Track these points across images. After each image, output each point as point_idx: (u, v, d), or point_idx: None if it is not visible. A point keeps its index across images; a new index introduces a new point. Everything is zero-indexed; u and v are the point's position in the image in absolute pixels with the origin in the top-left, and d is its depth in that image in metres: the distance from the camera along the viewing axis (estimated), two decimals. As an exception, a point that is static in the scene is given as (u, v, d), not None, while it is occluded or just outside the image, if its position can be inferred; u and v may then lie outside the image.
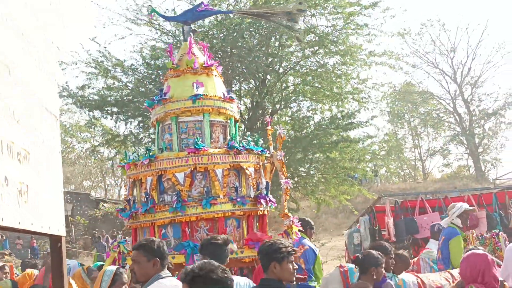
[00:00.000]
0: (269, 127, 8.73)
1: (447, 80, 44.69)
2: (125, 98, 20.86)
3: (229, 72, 20.15)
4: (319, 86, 21.09)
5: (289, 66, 21.47)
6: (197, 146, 7.81)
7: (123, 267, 6.76)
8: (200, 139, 7.98)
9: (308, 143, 19.52)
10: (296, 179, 21.85)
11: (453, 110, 44.87)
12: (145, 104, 10.30)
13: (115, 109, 20.88)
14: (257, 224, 8.25)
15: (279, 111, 22.26)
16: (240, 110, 22.26)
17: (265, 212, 8.30)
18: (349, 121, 20.55)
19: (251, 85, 22.36)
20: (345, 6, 19.78)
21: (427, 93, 45.12)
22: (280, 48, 20.70)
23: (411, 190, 31.73)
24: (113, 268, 5.61)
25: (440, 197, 15.47)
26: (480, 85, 43.97)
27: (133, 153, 8.36)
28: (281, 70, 21.38)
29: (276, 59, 20.54)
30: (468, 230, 13.97)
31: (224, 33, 19.70)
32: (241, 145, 8.12)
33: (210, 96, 8.27)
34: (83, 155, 47.56)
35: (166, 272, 4.30)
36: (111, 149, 26.26)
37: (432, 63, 44.20)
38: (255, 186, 8.15)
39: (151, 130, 21.53)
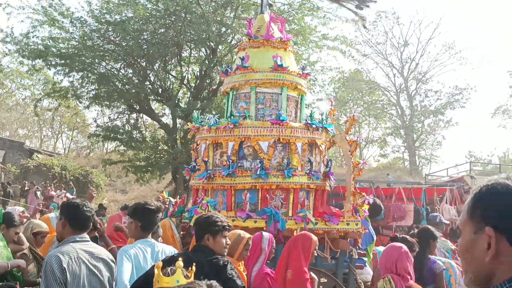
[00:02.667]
0: (331, 107, 9.05)
1: (394, 73, 45.46)
2: (70, 50, 20.27)
3: (181, 37, 19.87)
4: (269, 63, 21.03)
5: (242, 39, 21.30)
6: (282, 118, 8.08)
7: None
8: (280, 112, 8.26)
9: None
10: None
11: (396, 102, 45.71)
12: (219, 70, 10.44)
13: (58, 61, 20.26)
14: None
15: (227, 83, 22.12)
16: (188, 77, 22.23)
17: (328, 188, 8.68)
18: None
19: (201, 53, 22.13)
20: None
21: (373, 83, 45.74)
22: (235, 19, 20.50)
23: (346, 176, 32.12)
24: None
25: (372, 186, 15.80)
26: (425, 81, 44.88)
27: (214, 117, 8.52)
28: (233, 42, 21.23)
29: (229, 30, 20.35)
30: (396, 222, 14.44)
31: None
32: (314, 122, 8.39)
33: (290, 71, 8.51)
34: (21, 102, 46.17)
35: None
36: (51, 100, 25.64)
37: (382, 54, 44.82)
38: (325, 163, 8.59)
39: (93, 87, 21.10)
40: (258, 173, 7.83)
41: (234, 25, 20.20)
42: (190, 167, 9.02)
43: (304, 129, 8.24)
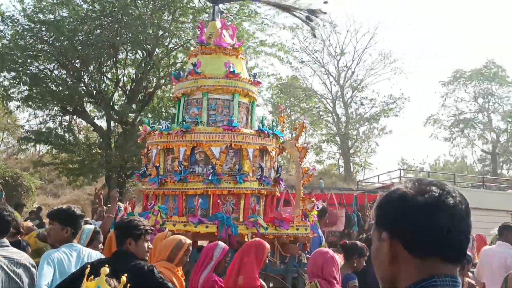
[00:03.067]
0: (282, 114, 9.42)
1: (331, 81, 46.13)
2: (1, 49, 19.59)
3: (117, 38, 19.56)
4: (207, 67, 20.95)
5: (179, 43, 21.18)
6: (234, 125, 8.27)
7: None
8: (232, 118, 8.45)
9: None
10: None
11: (332, 110, 46.39)
12: (171, 75, 10.51)
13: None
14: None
15: (163, 87, 21.94)
16: (124, 80, 21.88)
17: (278, 193, 8.89)
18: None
19: (138, 56, 21.85)
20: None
21: (310, 90, 46.27)
22: (173, 23, 20.34)
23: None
24: (92, 227, 5.67)
25: (305, 191, 15.94)
26: (361, 89, 45.74)
27: (165, 122, 8.66)
28: (170, 46, 21.05)
29: (166, 33, 20.17)
30: (328, 227, 14.62)
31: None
32: (268, 128, 8.64)
33: (242, 78, 8.71)
34: None
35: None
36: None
37: (319, 62, 45.42)
38: (275, 169, 8.80)
39: (25, 87, 20.46)
40: (210, 178, 7.95)
41: (171, 28, 20.02)
42: (140, 172, 9.02)
43: (255, 135, 8.45)
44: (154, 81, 21.43)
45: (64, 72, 20.90)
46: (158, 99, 22.33)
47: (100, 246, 5.68)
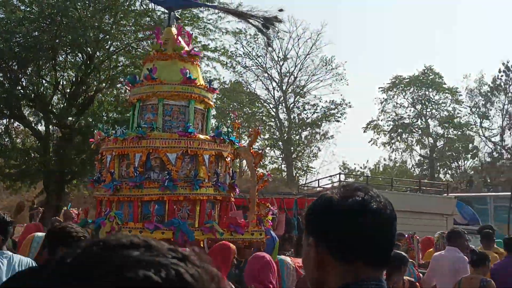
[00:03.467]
0: (237, 121, 9.73)
1: (274, 86, 46.41)
2: None
3: (56, 41, 19.15)
4: (149, 71, 20.75)
5: (120, 46, 20.89)
6: (190, 131, 8.30)
7: None
8: (188, 124, 8.47)
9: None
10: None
11: (275, 115, 46.67)
12: (126, 80, 10.53)
13: None
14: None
15: (104, 90, 21.59)
16: (63, 83, 21.43)
17: (233, 199, 8.98)
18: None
19: (78, 59, 21.44)
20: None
21: (253, 95, 46.41)
22: (114, 25, 20.05)
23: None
24: (43, 235, 5.55)
25: (247, 196, 15.99)
26: (303, 95, 46.17)
27: (120, 128, 8.59)
28: (111, 49, 20.75)
29: (107, 36, 19.87)
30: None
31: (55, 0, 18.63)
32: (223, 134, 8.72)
33: (198, 84, 8.75)
34: None
35: None
36: None
37: (262, 67, 45.64)
38: (230, 174, 8.89)
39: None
40: (166, 184, 7.94)
41: (112, 31, 19.73)
42: (94, 178, 8.96)
43: (211, 141, 8.51)
44: (95, 84, 21.06)
45: (0, 74, 20.30)
46: (99, 102, 21.96)
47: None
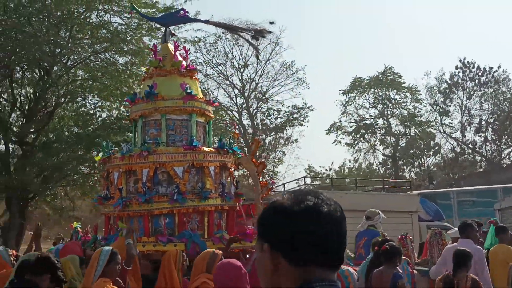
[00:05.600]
0: (235, 130, 10.38)
1: (236, 93, 46.48)
2: None
3: (12, 58, 18.84)
4: (108, 83, 20.60)
5: (78, 60, 20.66)
6: (194, 144, 8.55)
7: None
8: (192, 138, 8.72)
9: (91, 141, 18.92)
10: (75, 176, 21.13)
11: (238, 122, 46.76)
12: (126, 98, 10.70)
13: None
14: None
15: (63, 105, 21.32)
16: (21, 100, 21.09)
17: (238, 208, 9.19)
18: (136, 122, 20.40)
19: (35, 74, 21.12)
20: (140, 6, 19.56)
21: (216, 103, 46.36)
22: (70, 39, 19.83)
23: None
24: (109, 248, 5.75)
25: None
26: (265, 100, 46.31)
27: (126, 145, 8.90)
28: (69, 63, 20.51)
29: (64, 50, 19.63)
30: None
31: (9, 15, 18.32)
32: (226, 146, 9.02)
33: (198, 98, 9.03)
34: None
35: None
36: None
37: (224, 74, 45.68)
38: (235, 184, 9.20)
39: None
40: (175, 198, 8.17)
41: (69, 45, 19.50)
42: (102, 195, 9.11)
43: (215, 153, 8.80)
44: (54, 99, 20.77)
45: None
46: (59, 118, 21.67)
47: (118, 267, 5.75)
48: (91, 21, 20.05)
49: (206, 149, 8.80)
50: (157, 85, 8.92)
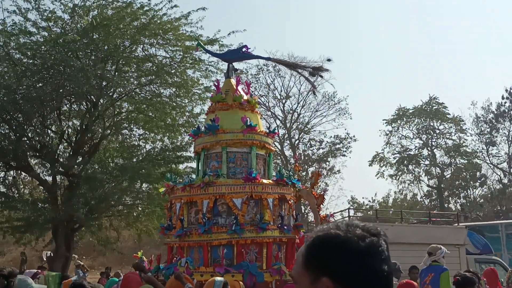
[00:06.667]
0: (297, 163, 10.46)
1: (278, 124, 46.59)
2: None
3: (60, 91, 19.34)
4: (153, 115, 20.94)
5: (124, 92, 21.08)
6: (253, 175, 8.72)
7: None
8: (251, 170, 8.90)
9: (136, 172, 19.15)
10: (120, 207, 21.35)
11: (280, 152, 46.76)
12: (190, 132, 11.24)
13: None
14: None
15: (109, 137, 21.71)
16: (68, 132, 21.58)
17: (298, 240, 9.20)
18: (180, 153, 20.59)
19: (82, 107, 21.62)
20: (185, 39, 19.91)
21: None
22: (116, 73, 20.27)
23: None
24: (222, 279, 5.96)
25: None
26: (307, 131, 46.29)
27: (188, 177, 9.35)
28: (115, 95, 20.93)
29: (110, 84, 20.06)
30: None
31: (58, 50, 18.85)
32: (284, 178, 9.10)
33: (259, 131, 9.28)
34: None
35: None
36: None
37: (266, 106, 45.91)
38: (294, 216, 9.27)
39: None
40: (233, 228, 8.37)
41: (115, 78, 19.92)
42: (165, 226, 9.46)
43: (274, 185, 8.94)
44: (100, 131, 21.18)
45: (6, 127, 20.45)
46: (104, 149, 22.05)
47: None
48: (136, 54, 20.46)
49: (265, 181, 8.94)
50: (219, 119, 9.20)
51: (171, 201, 9.36)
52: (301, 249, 1.81)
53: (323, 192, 9.86)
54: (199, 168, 9.43)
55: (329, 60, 10.91)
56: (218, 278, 6.21)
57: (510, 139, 44.62)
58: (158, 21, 19.57)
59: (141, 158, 20.81)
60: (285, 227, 8.83)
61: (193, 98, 21.27)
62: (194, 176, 10.40)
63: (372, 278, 1.68)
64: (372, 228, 1.76)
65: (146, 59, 20.33)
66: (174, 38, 19.96)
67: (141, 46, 20.39)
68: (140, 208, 21.56)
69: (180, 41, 19.96)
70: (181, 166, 21.32)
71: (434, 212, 31.07)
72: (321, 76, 11.11)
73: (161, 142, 22.05)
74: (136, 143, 22.52)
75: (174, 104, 21.17)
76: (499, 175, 45.51)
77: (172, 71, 20.37)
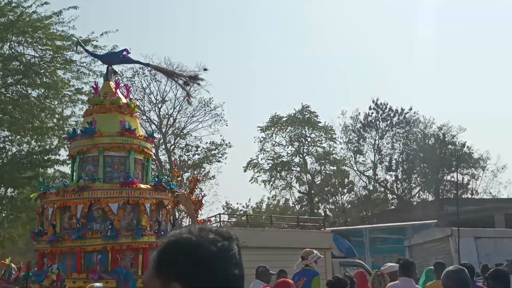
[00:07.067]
0: (176, 169, 9.97)
1: (153, 128, 46.09)
2: None
3: None
4: (19, 117, 19.96)
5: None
6: (130, 180, 8.56)
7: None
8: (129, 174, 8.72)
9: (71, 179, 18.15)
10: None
11: (155, 157, 46.27)
12: (64, 135, 10.69)
13: None
14: None
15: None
16: None
17: None
18: (48, 157, 19.76)
19: None
20: (56, 38, 19.21)
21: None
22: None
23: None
24: (100, 285, 5.95)
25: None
26: (183, 136, 46.15)
27: (61, 181, 8.95)
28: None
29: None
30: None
31: None
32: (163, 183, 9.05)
33: (137, 135, 9.07)
34: None
35: None
36: None
37: (141, 110, 45.24)
38: (172, 221, 9.30)
39: None
40: (108, 234, 8.18)
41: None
42: (36, 231, 9.05)
43: (152, 190, 8.84)
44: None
45: None
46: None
47: None
48: (2, 52, 19.47)
49: (143, 186, 8.82)
50: (97, 122, 8.98)
51: (43, 206, 9.03)
52: (153, 254, 1.79)
53: (201, 198, 10.01)
54: (74, 172, 9.21)
55: (205, 69, 11.27)
56: (97, 284, 6.08)
57: (376, 148, 47.08)
58: (27, 19, 18.75)
59: (5, 161, 19.79)
60: (162, 233, 8.73)
61: (63, 100, 20.53)
62: (68, 180, 10.10)
63: (224, 282, 1.70)
64: (225, 232, 1.79)
65: (13, 58, 19.40)
66: (44, 36, 19.19)
67: (8, 44, 19.42)
68: (3, 214, 20.47)
69: (50, 40, 19.20)
70: (50, 170, 20.52)
71: (303, 217, 32.07)
72: (198, 84, 11.34)
73: (28, 145, 21.07)
74: (1, 145, 21.39)
75: (43, 105, 20.31)
76: (365, 182, 47.87)
77: (41, 71, 19.57)
